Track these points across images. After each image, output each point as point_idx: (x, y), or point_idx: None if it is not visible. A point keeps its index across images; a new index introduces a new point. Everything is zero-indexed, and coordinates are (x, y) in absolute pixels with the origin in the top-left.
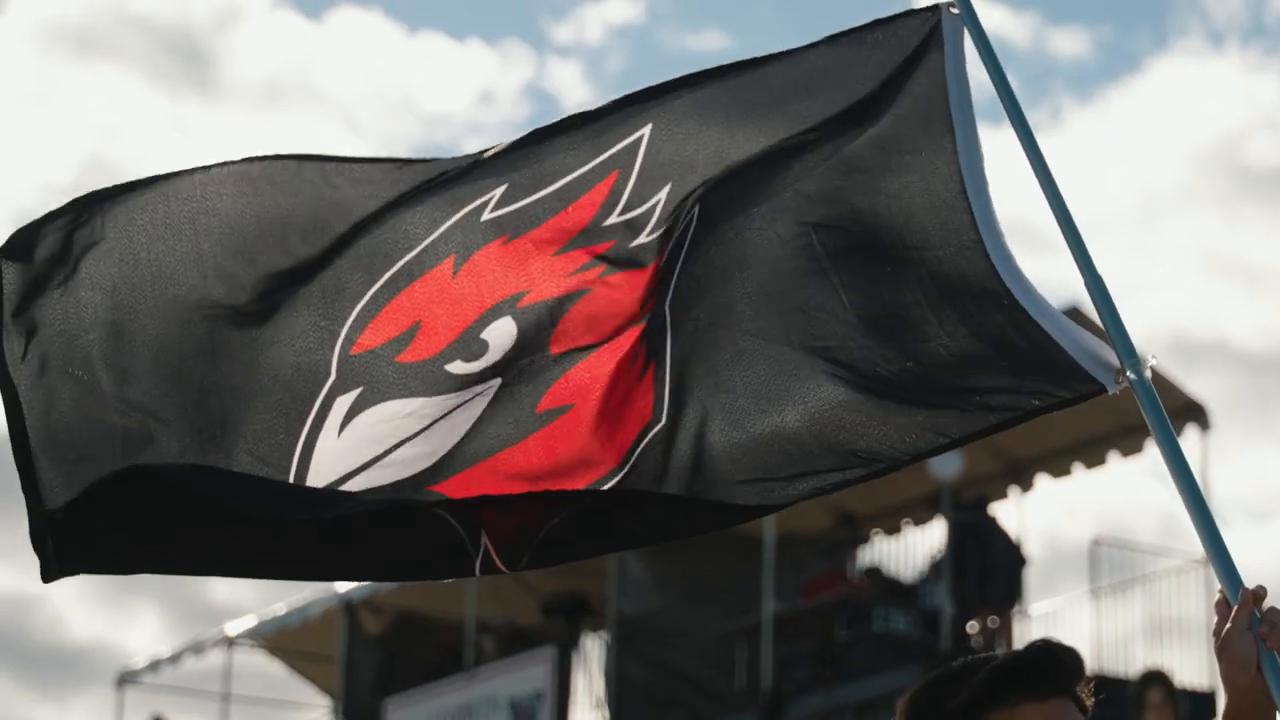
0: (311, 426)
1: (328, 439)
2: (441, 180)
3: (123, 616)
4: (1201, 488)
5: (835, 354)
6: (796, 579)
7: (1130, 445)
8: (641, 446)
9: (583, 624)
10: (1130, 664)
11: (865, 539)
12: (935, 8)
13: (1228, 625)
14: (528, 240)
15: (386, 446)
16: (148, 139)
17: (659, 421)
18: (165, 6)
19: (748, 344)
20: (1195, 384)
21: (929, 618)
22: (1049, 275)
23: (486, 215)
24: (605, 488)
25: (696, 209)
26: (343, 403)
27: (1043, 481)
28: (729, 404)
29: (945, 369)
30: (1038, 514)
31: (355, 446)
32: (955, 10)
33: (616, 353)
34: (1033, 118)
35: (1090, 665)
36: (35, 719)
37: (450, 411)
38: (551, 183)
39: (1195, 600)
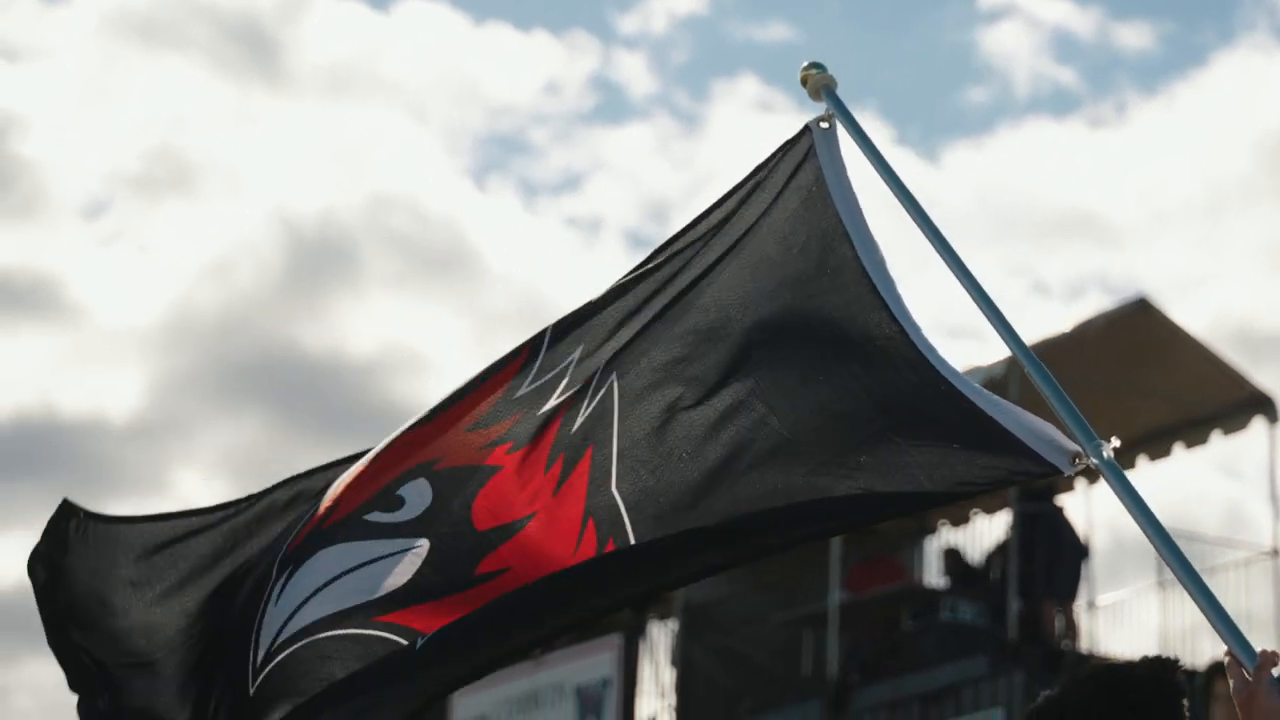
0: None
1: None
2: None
3: None
4: (1270, 479)
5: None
6: (896, 565)
7: (1195, 437)
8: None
9: (650, 611)
10: (1198, 656)
11: (933, 529)
12: (805, 129)
13: (1250, 686)
14: (441, 421)
15: (318, 585)
16: (214, 128)
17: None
18: None
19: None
20: (1262, 375)
21: (996, 608)
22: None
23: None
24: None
25: (614, 372)
26: (278, 584)
27: None
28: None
29: (898, 453)
30: (1103, 506)
31: (290, 598)
32: (825, 125)
33: (542, 524)
34: (1097, 112)
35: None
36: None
37: (378, 559)
38: (470, 375)
39: (1263, 592)
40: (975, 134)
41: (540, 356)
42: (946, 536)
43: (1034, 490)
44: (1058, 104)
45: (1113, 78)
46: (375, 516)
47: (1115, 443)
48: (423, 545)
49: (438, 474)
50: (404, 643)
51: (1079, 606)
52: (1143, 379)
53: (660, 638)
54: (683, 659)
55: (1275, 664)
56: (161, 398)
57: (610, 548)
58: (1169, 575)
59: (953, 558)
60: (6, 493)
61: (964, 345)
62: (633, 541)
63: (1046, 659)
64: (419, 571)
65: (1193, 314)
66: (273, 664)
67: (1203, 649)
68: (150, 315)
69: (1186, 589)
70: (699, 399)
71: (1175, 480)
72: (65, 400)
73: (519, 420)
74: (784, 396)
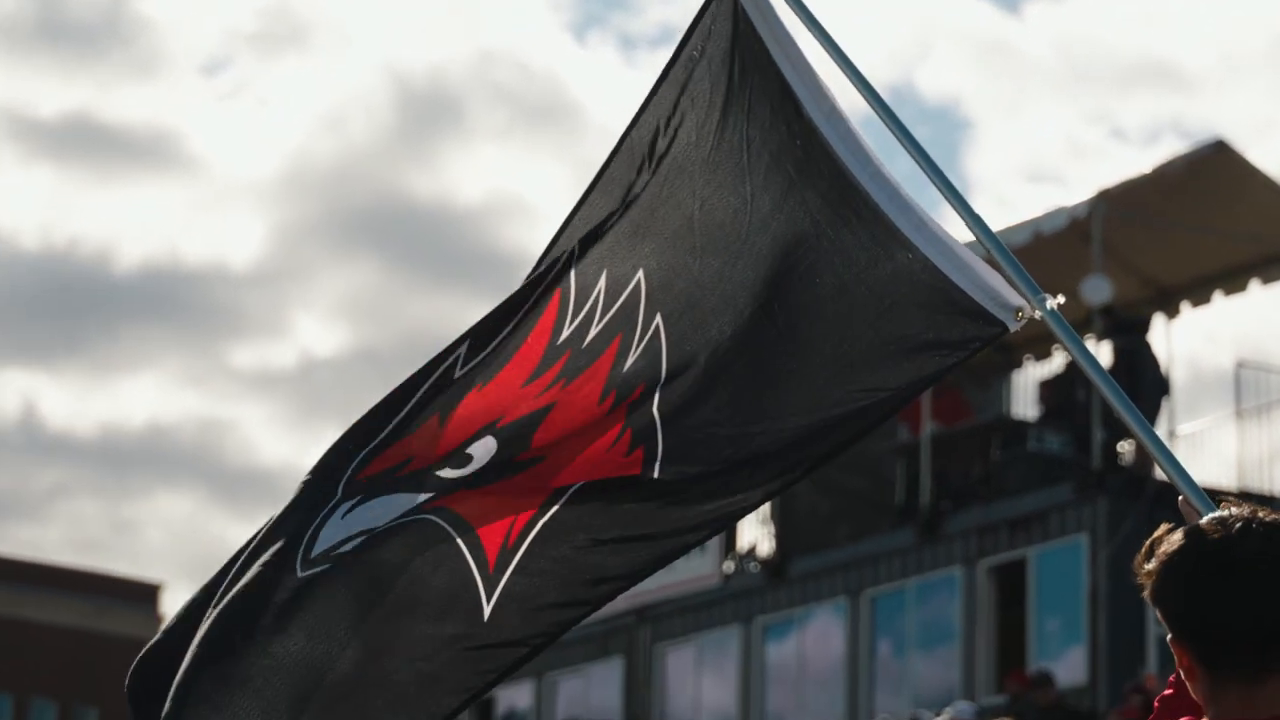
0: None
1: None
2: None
3: (309, 439)
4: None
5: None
6: (955, 400)
7: (1272, 273)
8: (616, 482)
9: None
10: (1274, 482)
11: (1020, 364)
12: None
13: None
14: (497, 382)
15: (383, 518)
16: None
17: (647, 475)
18: None
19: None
20: None
21: (1081, 438)
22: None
23: (458, 373)
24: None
25: (658, 312)
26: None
27: (1185, 309)
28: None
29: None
30: (1181, 340)
31: (353, 521)
32: None
33: (595, 438)
34: None
35: (1234, 484)
36: (229, 538)
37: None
38: (507, 323)
39: None
40: None
41: (572, 294)
42: (1032, 370)
43: (1125, 322)
44: None
45: None
46: (446, 472)
47: (1060, 299)
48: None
49: (501, 429)
50: (447, 528)
51: (1160, 436)
52: (1220, 218)
53: None
54: None
55: None
56: (280, 245)
57: (640, 454)
58: (1246, 406)
59: (1046, 389)
60: (136, 337)
61: (1047, 189)
62: (661, 451)
63: (1129, 486)
64: (470, 473)
65: (1267, 156)
66: (327, 564)
67: (1279, 475)
68: (268, 167)
69: (1137, 438)
70: (734, 329)
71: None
72: (189, 249)
73: (568, 359)
74: (796, 316)
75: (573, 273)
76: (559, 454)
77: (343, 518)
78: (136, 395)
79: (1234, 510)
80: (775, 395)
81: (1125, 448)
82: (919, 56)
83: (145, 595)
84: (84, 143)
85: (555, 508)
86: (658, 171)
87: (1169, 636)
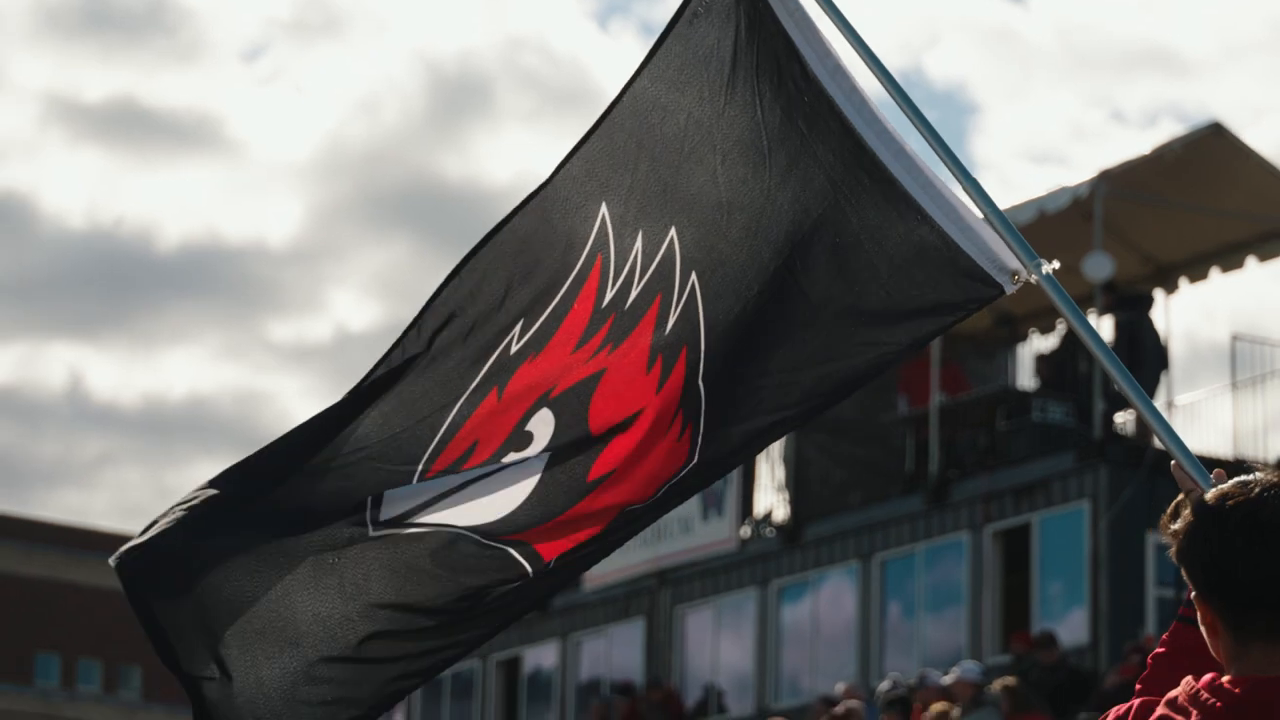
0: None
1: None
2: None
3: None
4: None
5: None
6: (959, 374)
7: (1269, 251)
8: (672, 483)
9: None
10: (1268, 450)
11: (1024, 337)
12: None
13: None
14: (549, 350)
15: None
16: None
17: (691, 460)
18: None
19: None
20: None
21: (1083, 409)
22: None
23: (514, 349)
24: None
25: (692, 271)
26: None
27: (1184, 285)
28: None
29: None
30: (1179, 315)
31: (424, 491)
32: None
33: (646, 421)
34: None
35: (1229, 452)
36: None
37: (503, 469)
38: (554, 294)
39: None
40: None
41: (612, 256)
42: (1037, 343)
43: (1127, 297)
44: None
45: None
46: (511, 457)
47: (1055, 264)
48: (545, 459)
49: (555, 400)
50: (527, 567)
51: (1158, 406)
52: (1216, 198)
53: None
54: (796, 457)
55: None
56: (316, 224)
57: (688, 434)
58: (1241, 378)
59: (1042, 362)
60: (178, 312)
61: (1050, 169)
62: (703, 427)
63: (1128, 455)
64: (541, 481)
65: (1262, 138)
66: (403, 530)
67: (1272, 444)
68: (305, 149)
69: (1133, 403)
70: (761, 287)
71: (1246, 291)
72: (228, 227)
73: (613, 323)
74: (815, 271)
75: (610, 235)
76: (627, 471)
77: (414, 500)
78: (178, 367)
79: (1258, 475)
80: (790, 346)
81: (1124, 418)
82: (928, 43)
83: None
84: (129, 126)
85: (616, 525)
86: (674, 127)
87: (1192, 593)
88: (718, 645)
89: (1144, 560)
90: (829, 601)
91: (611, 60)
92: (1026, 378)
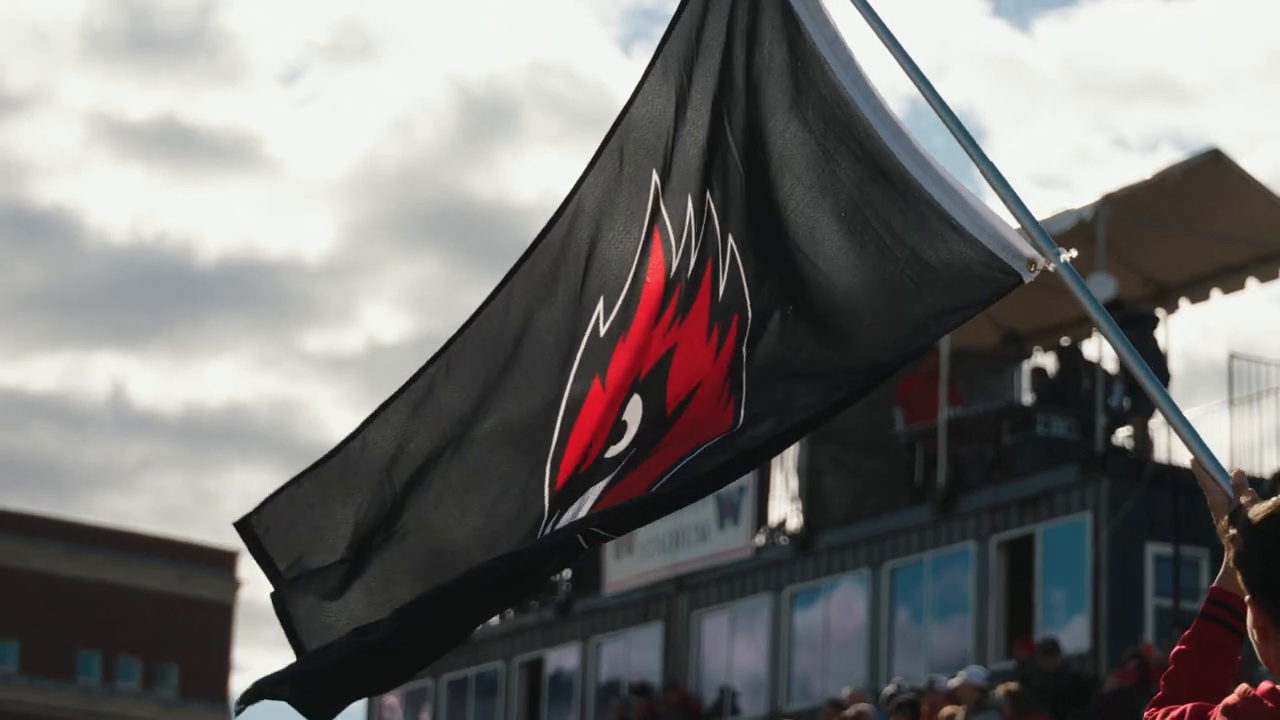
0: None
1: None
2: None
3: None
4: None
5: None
6: (970, 388)
7: (1268, 272)
8: (706, 447)
9: None
10: (1263, 466)
11: (1029, 354)
12: None
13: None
14: (636, 326)
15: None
16: (395, 1)
17: (735, 426)
18: None
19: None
20: None
21: (1085, 423)
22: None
23: (602, 330)
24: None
25: (729, 234)
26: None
27: (1185, 306)
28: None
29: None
30: (1178, 334)
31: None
32: None
33: (707, 393)
34: None
35: (1226, 467)
36: None
37: (602, 463)
38: (628, 271)
39: None
40: (1063, 6)
41: (669, 226)
42: (1040, 359)
43: (1130, 318)
44: None
45: None
46: (611, 451)
47: (1073, 252)
48: (632, 453)
49: (643, 383)
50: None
51: (1156, 423)
52: (1215, 221)
53: (789, 449)
54: (809, 468)
55: (1244, 482)
56: (350, 240)
57: (732, 404)
58: (1238, 395)
59: (1039, 376)
60: (217, 323)
61: (1055, 193)
62: (745, 399)
63: (1129, 469)
64: (621, 468)
65: (1259, 164)
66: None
67: (1268, 460)
68: (340, 168)
69: (1157, 404)
70: (784, 274)
71: (1244, 313)
72: (266, 243)
73: (680, 293)
74: (834, 261)
75: (663, 203)
76: (680, 430)
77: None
78: (217, 377)
79: None
80: (814, 335)
81: (1125, 433)
82: (938, 71)
83: (224, 562)
84: (171, 145)
85: (656, 488)
86: (698, 98)
87: (1247, 598)
88: (733, 649)
89: (1143, 570)
90: (840, 608)
91: (635, 84)
92: (1029, 392)
